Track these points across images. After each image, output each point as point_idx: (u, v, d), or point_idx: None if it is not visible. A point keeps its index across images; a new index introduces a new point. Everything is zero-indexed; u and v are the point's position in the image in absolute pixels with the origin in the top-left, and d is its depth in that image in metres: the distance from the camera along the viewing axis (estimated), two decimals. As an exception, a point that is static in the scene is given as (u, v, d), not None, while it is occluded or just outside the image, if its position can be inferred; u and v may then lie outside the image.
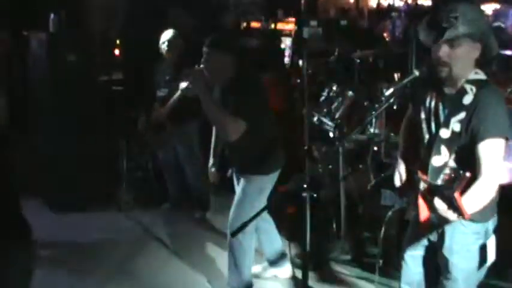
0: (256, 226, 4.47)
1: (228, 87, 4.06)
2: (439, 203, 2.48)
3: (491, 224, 2.95)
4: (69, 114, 6.25)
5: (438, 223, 2.94)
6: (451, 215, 2.45)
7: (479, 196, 2.63)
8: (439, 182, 2.64)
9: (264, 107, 4.19)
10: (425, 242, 3.15)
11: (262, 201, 4.13)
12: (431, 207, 2.60)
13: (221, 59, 4.02)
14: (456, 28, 2.66)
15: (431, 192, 2.56)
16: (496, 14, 9.36)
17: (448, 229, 2.95)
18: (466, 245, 2.93)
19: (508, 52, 6.62)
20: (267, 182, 4.23)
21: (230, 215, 4.23)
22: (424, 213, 2.85)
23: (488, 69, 5.08)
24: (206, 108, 3.91)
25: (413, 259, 3.24)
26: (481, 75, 2.82)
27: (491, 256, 2.97)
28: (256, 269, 4.79)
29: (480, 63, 2.85)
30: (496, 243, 2.99)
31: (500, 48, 5.87)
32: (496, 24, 8.23)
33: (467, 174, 2.34)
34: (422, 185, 2.77)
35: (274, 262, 4.80)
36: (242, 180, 4.25)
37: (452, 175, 2.42)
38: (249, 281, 4.39)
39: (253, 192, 4.17)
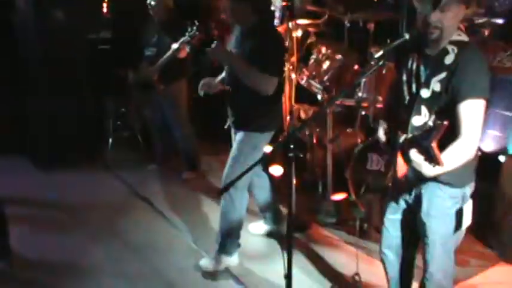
0: (251, 182, 4.50)
1: (250, 33, 4.10)
2: (414, 155, 2.49)
3: (468, 189, 2.97)
4: (56, 72, 6.20)
5: (415, 182, 2.98)
6: (425, 167, 2.47)
7: (457, 155, 2.64)
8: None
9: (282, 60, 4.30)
10: (403, 205, 3.18)
11: (256, 159, 4.13)
12: (408, 161, 2.63)
13: (242, 8, 4.06)
14: None
15: (409, 145, 2.57)
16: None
17: (425, 193, 2.98)
18: (443, 209, 2.96)
19: (499, 20, 6.58)
20: (262, 141, 4.24)
21: (224, 171, 4.24)
22: (401, 169, 2.86)
23: (479, 36, 5.09)
24: (240, 73, 4.04)
25: (393, 223, 3.27)
26: (464, 37, 2.81)
27: (467, 221, 3.00)
28: (251, 227, 4.88)
29: (468, 28, 2.86)
30: (474, 208, 3.01)
31: (492, 16, 5.87)
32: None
33: (445, 122, 2.34)
34: (400, 140, 2.79)
35: (267, 218, 4.87)
36: (238, 136, 4.27)
37: (429, 124, 2.45)
38: (237, 238, 4.43)
39: (247, 149, 4.18)
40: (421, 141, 2.41)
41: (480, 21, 5.50)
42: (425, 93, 2.78)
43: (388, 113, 3.26)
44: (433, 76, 2.77)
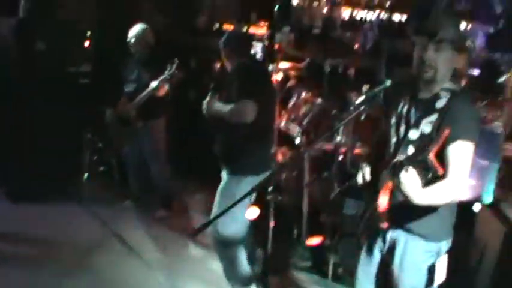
0: None
1: (236, 73, 4.28)
2: (405, 176, 2.52)
3: (444, 244, 2.96)
4: (35, 103, 6.15)
5: (390, 233, 2.97)
6: (413, 191, 2.51)
7: (442, 192, 2.66)
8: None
9: (267, 95, 4.39)
10: (377, 256, 3.15)
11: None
12: (396, 186, 2.63)
13: (232, 54, 4.35)
14: (446, 31, 2.77)
15: (401, 165, 2.58)
16: (466, 33, 9.49)
17: (399, 244, 2.96)
18: (416, 262, 2.94)
19: (475, 71, 6.73)
20: (245, 184, 4.03)
21: (220, 221, 4.05)
22: (383, 204, 2.83)
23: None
24: (218, 113, 4.21)
25: (365, 274, 3.24)
26: (456, 86, 2.89)
27: (440, 277, 2.98)
28: None
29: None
30: (449, 262, 3.00)
31: (468, 67, 5.99)
32: (467, 42, 8.35)
33: (446, 131, 2.38)
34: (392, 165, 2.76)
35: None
36: (230, 181, 4.23)
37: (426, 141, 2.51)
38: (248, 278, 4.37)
39: (228, 194, 4.10)
40: (417, 155, 2.43)
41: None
42: (414, 134, 2.83)
43: (374, 156, 3.27)
44: (424, 118, 2.82)
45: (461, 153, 2.71)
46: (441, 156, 2.67)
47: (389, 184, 2.76)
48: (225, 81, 4.36)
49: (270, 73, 5.62)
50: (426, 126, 2.79)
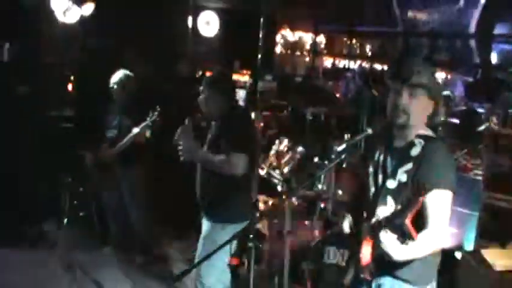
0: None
1: (225, 122, 4.17)
2: (384, 236, 2.51)
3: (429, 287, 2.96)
4: (14, 146, 6.12)
5: (375, 277, 2.95)
6: (394, 250, 2.50)
7: (423, 244, 2.65)
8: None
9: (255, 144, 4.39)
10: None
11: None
12: (376, 244, 2.62)
13: (218, 98, 4.20)
14: (421, 77, 2.78)
15: (379, 226, 2.58)
16: (445, 83, 9.66)
17: (384, 288, 2.95)
18: None
19: (454, 120, 6.82)
20: (224, 235, 3.94)
21: (201, 268, 4.08)
22: (366, 257, 2.84)
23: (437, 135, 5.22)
24: (211, 166, 4.10)
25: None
26: (430, 133, 2.90)
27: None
28: None
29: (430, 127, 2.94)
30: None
31: (447, 116, 6.08)
32: (445, 93, 8.50)
33: (420, 198, 2.37)
34: (370, 223, 2.78)
35: None
36: (213, 230, 4.18)
37: (404, 199, 2.47)
38: None
39: (208, 243, 4.09)
40: (394, 219, 2.43)
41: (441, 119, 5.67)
42: (391, 184, 2.83)
43: (354, 205, 3.28)
44: (400, 167, 2.83)
45: (439, 202, 2.71)
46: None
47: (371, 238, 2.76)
48: (207, 128, 4.32)
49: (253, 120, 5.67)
50: (402, 176, 2.80)
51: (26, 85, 6.20)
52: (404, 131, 2.87)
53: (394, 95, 2.84)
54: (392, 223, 2.47)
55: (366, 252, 2.81)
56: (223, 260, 3.64)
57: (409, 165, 2.79)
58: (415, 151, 2.81)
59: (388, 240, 2.50)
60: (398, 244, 2.49)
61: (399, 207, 2.55)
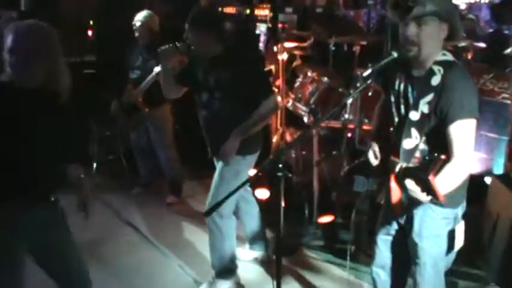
0: (239, 208, 4.47)
1: (219, 63, 3.98)
2: (412, 185, 2.45)
3: (460, 209, 2.96)
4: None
5: (409, 205, 2.95)
6: (423, 196, 2.43)
7: (452, 177, 2.61)
8: (411, 164, 2.64)
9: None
10: (395, 226, 3.16)
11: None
12: (404, 189, 2.58)
13: (204, 36, 3.95)
14: (423, 6, 2.63)
15: (405, 174, 2.53)
16: (470, 7, 9.41)
17: (417, 214, 2.96)
18: (435, 229, 2.94)
19: (481, 44, 6.67)
20: (244, 165, 4.12)
21: (208, 199, 4.16)
22: (396, 194, 2.85)
23: (462, 59, 5.13)
24: (248, 132, 3.99)
25: (385, 243, 3.24)
26: (449, 57, 2.80)
27: (459, 242, 2.98)
28: (238, 253, 4.74)
29: (452, 51, 2.84)
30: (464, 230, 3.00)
31: (474, 40, 5.94)
32: (469, 16, 8.29)
33: (442, 156, 2.33)
34: (395, 167, 2.73)
35: (255, 245, 4.80)
36: (219, 163, 4.17)
37: (426, 158, 2.41)
38: (231, 264, 4.36)
39: (229, 175, 4.08)
40: (419, 174, 2.39)
41: (463, 44, 5.55)
42: (414, 115, 2.76)
43: (378, 134, 3.24)
44: (421, 98, 2.76)
45: (462, 131, 2.66)
46: (444, 135, 2.68)
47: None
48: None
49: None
50: (424, 107, 2.73)
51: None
52: (420, 61, 2.78)
53: (401, 26, 2.73)
54: (417, 176, 2.42)
55: (395, 189, 2.80)
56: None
57: (430, 96, 2.72)
58: (435, 81, 2.72)
59: (416, 188, 2.45)
60: (424, 194, 2.45)
61: (423, 143, 2.57)
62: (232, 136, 3.96)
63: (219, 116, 4.05)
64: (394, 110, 2.98)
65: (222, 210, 4.06)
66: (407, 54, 2.75)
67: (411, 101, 2.85)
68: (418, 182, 2.41)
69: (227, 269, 4.34)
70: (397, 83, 2.95)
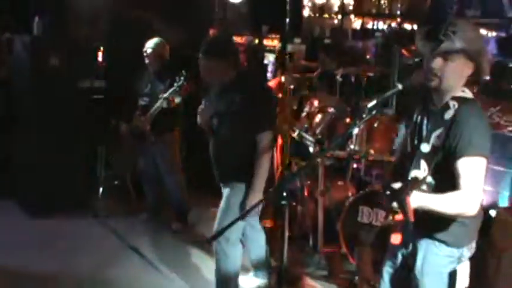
0: (245, 235, 4.48)
1: (230, 88, 4.07)
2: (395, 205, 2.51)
3: (466, 250, 2.91)
4: (49, 118, 6.21)
5: (412, 239, 2.95)
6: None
7: (452, 202, 2.62)
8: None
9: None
10: (400, 260, 3.13)
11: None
12: (407, 221, 2.59)
13: (220, 63, 4.04)
14: (453, 42, 2.65)
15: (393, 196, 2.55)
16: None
17: (420, 249, 2.94)
18: (437, 267, 2.91)
19: (486, 77, 6.70)
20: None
21: (215, 226, 4.17)
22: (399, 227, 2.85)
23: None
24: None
25: (390, 276, 3.23)
26: (467, 94, 2.80)
27: (463, 282, 2.95)
28: (241, 280, 4.72)
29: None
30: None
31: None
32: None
33: (420, 177, 2.41)
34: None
35: (259, 272, 4.80)
36: (226, 190, 4.20)
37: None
38: None
39: (236, 201, 4.10)
40: (397, 194, 2.42)
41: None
42: (425, 147, 2.75)
43: (398, 168, 3.22)
44: (433, 131, 2.76)
45: (469, 169, 2.64)
46: (451, 170, 2.68)
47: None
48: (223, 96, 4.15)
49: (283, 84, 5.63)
50: (435, 140, 2.73)
51: (56, 58, 6.24)
52: (440, 94, 2.79)
53: (428, 58, 2.74)
54: (396, 197, 2.45)
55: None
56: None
57: (441, 130, 2.72)
58: (448, 115, 2.72)
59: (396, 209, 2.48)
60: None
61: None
62: (251, 195, 4.02)
63: (226, 142, 4.10)
64: (409, 140, 3.00)
65: (230, 236, 4.08)
66: (428, 84, 2.77)
67: (424, 133, 2.85)
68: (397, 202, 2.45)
69: None
70: (415, 115, 2.97)
